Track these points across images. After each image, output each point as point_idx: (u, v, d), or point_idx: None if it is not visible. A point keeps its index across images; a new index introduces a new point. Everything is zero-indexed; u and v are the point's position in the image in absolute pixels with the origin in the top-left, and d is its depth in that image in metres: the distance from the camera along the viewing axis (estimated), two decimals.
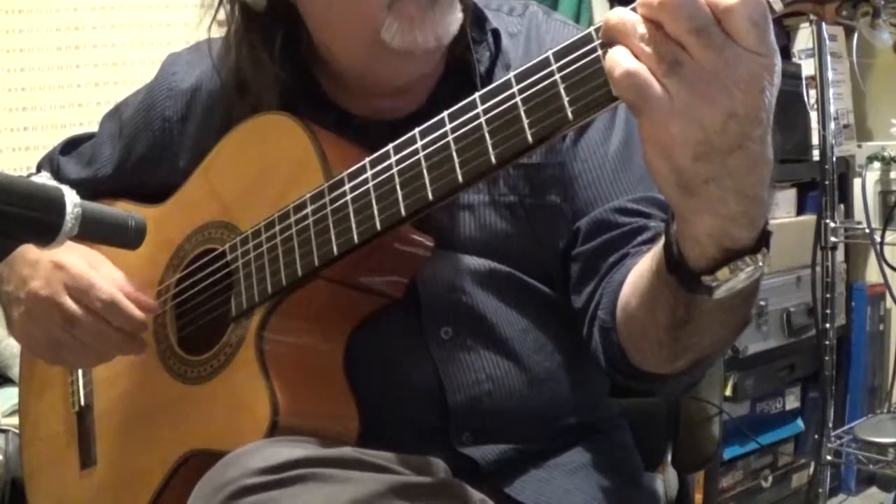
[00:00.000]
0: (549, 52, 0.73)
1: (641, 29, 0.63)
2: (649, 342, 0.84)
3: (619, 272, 0.92)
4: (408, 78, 1.01)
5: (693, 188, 0.66)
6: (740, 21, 0.61)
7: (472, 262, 1.00)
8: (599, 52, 0.69)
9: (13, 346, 1.93)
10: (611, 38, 0.65)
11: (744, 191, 0.66)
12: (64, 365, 1.10)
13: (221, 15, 1.06)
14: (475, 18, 1.04)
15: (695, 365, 0.85)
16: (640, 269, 0.84)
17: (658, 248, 0.77)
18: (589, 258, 0.98)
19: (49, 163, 1.24)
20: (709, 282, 0.71)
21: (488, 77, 1.01)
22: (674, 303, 0.76)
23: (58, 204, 0.73)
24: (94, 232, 0.76)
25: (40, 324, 1.01)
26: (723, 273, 0.70)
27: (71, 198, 0.74)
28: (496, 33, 1.04)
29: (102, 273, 1.00)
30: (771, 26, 0.62)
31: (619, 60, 0.63)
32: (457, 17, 0.96)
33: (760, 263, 0.70)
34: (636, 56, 0.63)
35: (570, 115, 0.71)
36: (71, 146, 1.24)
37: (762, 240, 0.70)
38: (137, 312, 0.99)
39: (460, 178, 0.80)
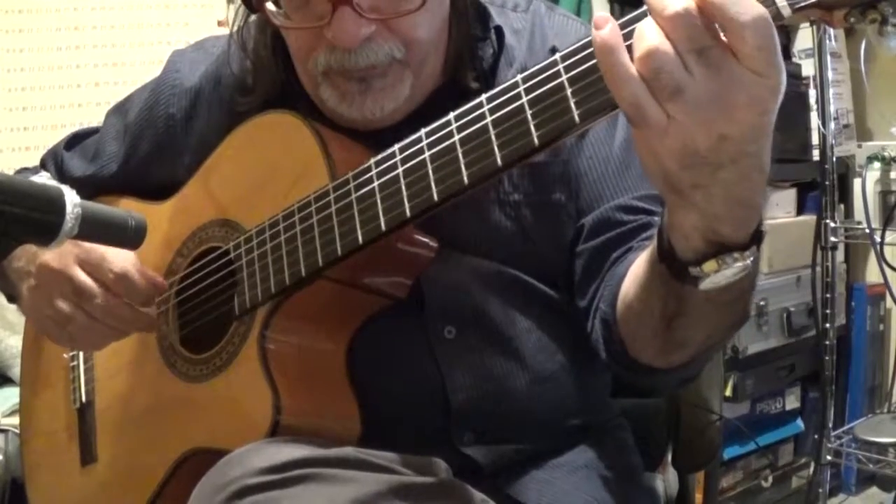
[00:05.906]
0: (557, 55, 0.73)
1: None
2: (645, 332, 0.85)
3: (622, 266, 0.92)
4: (371, 127, 0.98)
5: (680, 190, 0.67)
6: (747, 48, 0.61)
7: (476, 262, 1.00)
8: None
9: (13, 347, 1.93)
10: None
11: (733, 198, 0.67)
12: (69, 343, 1.07)
13: (222, 14, 1.06)
14: (478, 15, 1.04)
15: (690, 360, 0.86)
16: (639, 260, 0.85)
17: (654, 237, 0.78)
18: (593, 255, 0.98)
19: (53, 157, 1.24)
20: (695, 272, 0.71)
21: (492, 73, 1.01)
22: (665, 293, 0.77)
23: (58, 204, 0.73)
24: (93, 232, 0.76)
25: (49, 297, 0.99)
26: (709, 265, 0.71)
27: (71, 198, 0.74)
28: (499, 30, 1.04)
29: (114, 249, 1.00)
30: (778, 46, 0.62)
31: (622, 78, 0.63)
32: (402, 93, 0.94)
33: (749, 261, 0.71)
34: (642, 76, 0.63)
35: (576, 118, 0.71)
36: (75, 141, 1.23)
37: (754, 238, 0.71)
38: (147, 287, 0.99)
39: (466, 180, 0.80)
